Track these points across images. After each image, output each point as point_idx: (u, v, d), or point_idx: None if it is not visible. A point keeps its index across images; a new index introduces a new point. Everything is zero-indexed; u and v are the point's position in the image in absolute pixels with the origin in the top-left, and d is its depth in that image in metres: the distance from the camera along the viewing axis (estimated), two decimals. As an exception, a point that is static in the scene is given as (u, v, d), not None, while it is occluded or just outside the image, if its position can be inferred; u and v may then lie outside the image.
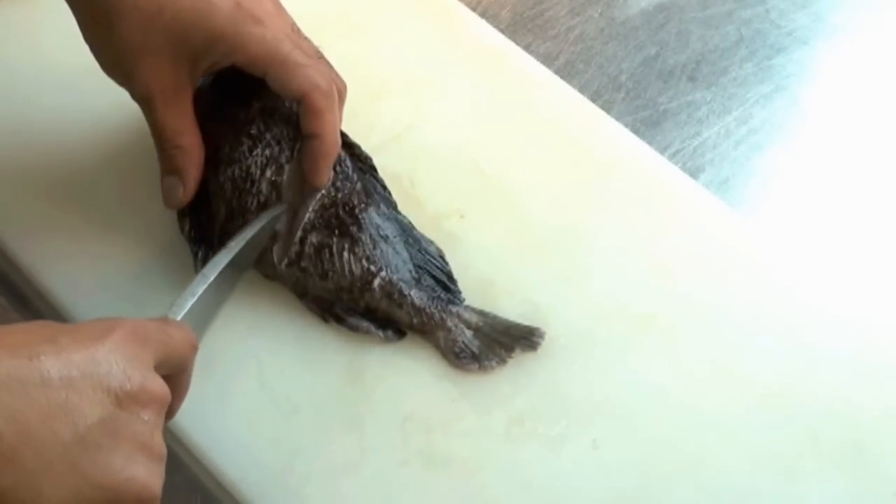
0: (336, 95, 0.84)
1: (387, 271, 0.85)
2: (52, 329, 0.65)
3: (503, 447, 0.81)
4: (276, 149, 0.86)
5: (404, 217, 0.89)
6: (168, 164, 0.84)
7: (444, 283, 0.87)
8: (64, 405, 0.61)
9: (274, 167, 0.85)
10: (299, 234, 0.85)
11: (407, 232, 0.88)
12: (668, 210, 0.94)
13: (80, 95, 0.94)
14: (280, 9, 0.85)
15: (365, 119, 0.92)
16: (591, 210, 0.93)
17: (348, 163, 0.88)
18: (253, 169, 0.86)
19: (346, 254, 0.85)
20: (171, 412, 0.71)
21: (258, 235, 0.83)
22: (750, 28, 1.09)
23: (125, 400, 0.64)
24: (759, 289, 0.89)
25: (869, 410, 0.84)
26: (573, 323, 0.87)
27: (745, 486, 0.81)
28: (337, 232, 0.85)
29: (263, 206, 0.85)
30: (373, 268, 0.85)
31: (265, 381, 0.83)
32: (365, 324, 0.84)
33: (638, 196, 0.94)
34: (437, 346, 0.84)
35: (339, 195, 0.86)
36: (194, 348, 0.74)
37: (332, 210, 0.86)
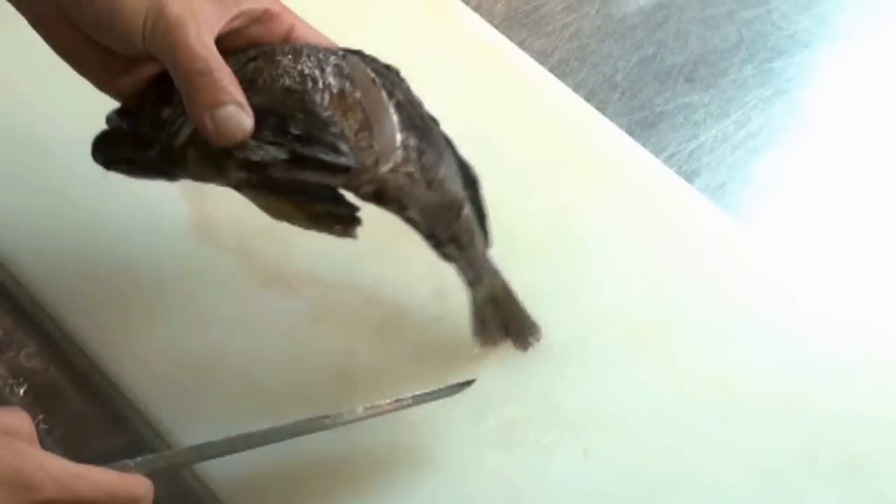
0: None
1: (467, 205, 0.81)
2: None
3: (493, 454, 0.80)
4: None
5: None
6: (217, 93, 0.74)
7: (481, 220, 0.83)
8: None
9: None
10: (400, 136, 0.78)
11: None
12: (663, 215, 0.93)
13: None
14: None
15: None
16: (585, 213, 0.92)
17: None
18: (308, 71, 0.78)
19: (441, 168, 0.79)
20: None
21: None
22: (751, 29, 1.08)
23: None
24: (755, 298, 0.88)
25: (868, 425, 0.83)
26: (567, 329, 0.85)
27: (740, 501, 0.80)
28: (426, 140, 0.79)
29: (340, 97, 0.78)
30: (461, 194, 0.80)
31: (253, 382, 0.82)
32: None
33: (632, 200, 0.93)
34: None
35: (405, 97, 0.81)
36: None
37: (409, 110, 0.80)
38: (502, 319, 0.83)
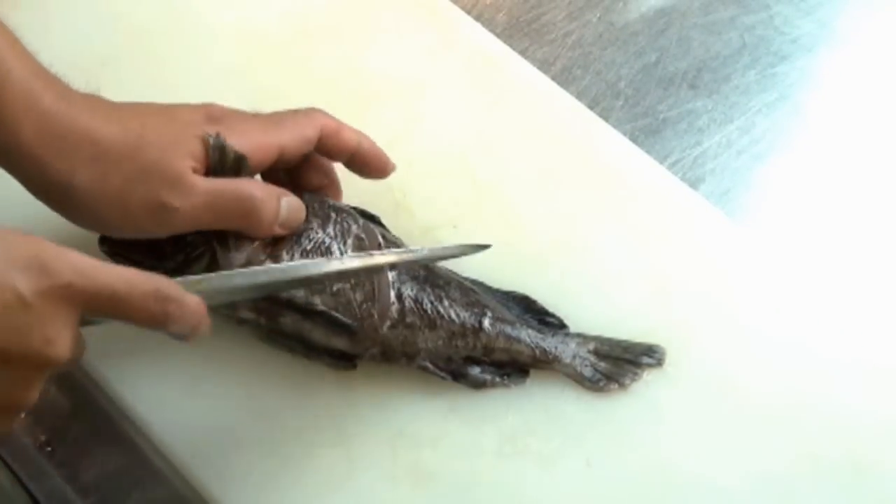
0: None
1: (492, 310, 0.83)
2: None
3: (495, 464, 0.80)
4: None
5: None
6: (265, 215, 0.79)
7: (541, 317, 0.86)
8: None
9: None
10: (393, 291, 0.82)
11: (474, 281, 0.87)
12: (667, 222, 0.92)
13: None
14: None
15: (356, 126, 0.90)
16: (588, 221, 0.91)
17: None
18: (329, 242, 0.83)
19: (445, 301, 0.83)
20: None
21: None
22: (753, 35, 1.07)
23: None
24: (758, 303, 0.88)
25: (869, 429, 0.83)
26: (569, 336, 0.85)
27: (743, 507, 0.80)
28: (428, 283, 0.83)
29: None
30: (476, 309, 0.83)
31: (253, 393, 0.82)
32: (488, 376, 0.83)
33: (636, 207, 0.93)
34: (566, 374, 0.83)
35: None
36: (164, 314, 0.67)
37: (409, 265, 0.84)
38: (621, 353, 0.84)
